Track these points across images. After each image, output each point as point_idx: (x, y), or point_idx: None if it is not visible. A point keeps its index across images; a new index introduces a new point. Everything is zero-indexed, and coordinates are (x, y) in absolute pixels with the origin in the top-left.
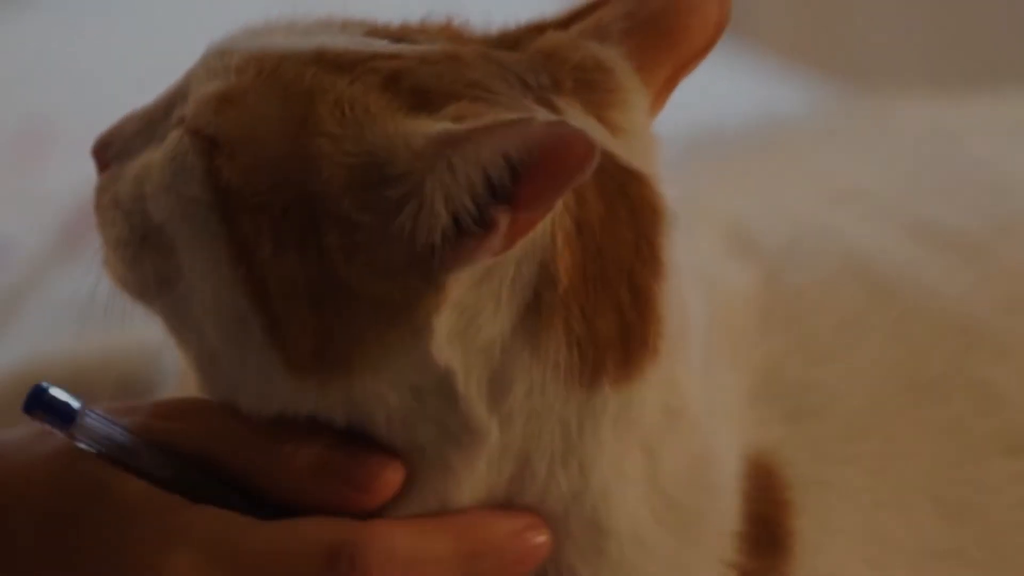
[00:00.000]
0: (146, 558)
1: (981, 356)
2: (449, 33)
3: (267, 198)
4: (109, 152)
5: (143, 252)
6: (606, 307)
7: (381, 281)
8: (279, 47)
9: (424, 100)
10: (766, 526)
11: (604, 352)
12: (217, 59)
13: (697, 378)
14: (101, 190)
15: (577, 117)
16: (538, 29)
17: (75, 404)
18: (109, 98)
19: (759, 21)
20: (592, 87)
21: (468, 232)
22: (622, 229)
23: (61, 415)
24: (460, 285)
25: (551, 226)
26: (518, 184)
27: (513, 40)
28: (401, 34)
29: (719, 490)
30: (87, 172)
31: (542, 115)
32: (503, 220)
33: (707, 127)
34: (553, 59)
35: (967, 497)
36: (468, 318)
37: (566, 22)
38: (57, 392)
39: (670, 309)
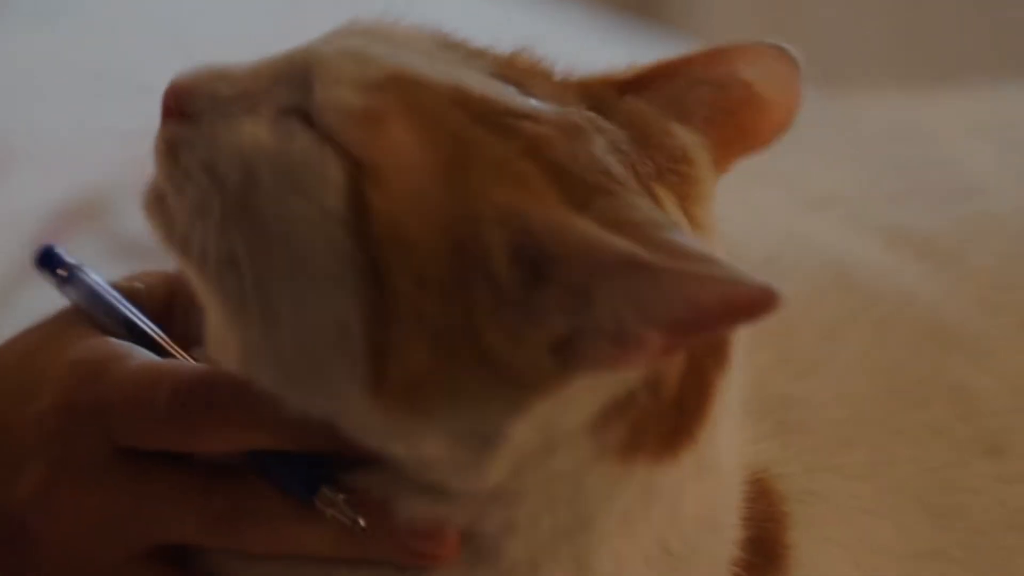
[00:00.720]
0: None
1: (958, 360)
2: (537, 72)
3: (417, 238)
4: (192, 104)
5: (230, 226)
6: (677, 402)
7: (514, 352)
8: (418, 70)
9: (568, 185)
10: (763, 544)
11: (654, 438)
12: (353, 63)
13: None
14: (180, 142)
15: (673, 211)
16: (614, 87)
17: (77, 267)
18: (68, 116)
19: (716, 20)
20: (681, 178)
21: (613, 342)
22: None
23: (60, 268)
24: (586, 386)
25: None
26: (690, 321)
27: (597, 98)
28: (509, 74)
29: (726, 528)
30: (50, 191)
31: (752, 275)
32: (655, 343)
33: None
34: (649, 140)
35: (951, 499)
36: (563, 404)
37: (639, 83)
38: (62, 251)
39: (722, 399)
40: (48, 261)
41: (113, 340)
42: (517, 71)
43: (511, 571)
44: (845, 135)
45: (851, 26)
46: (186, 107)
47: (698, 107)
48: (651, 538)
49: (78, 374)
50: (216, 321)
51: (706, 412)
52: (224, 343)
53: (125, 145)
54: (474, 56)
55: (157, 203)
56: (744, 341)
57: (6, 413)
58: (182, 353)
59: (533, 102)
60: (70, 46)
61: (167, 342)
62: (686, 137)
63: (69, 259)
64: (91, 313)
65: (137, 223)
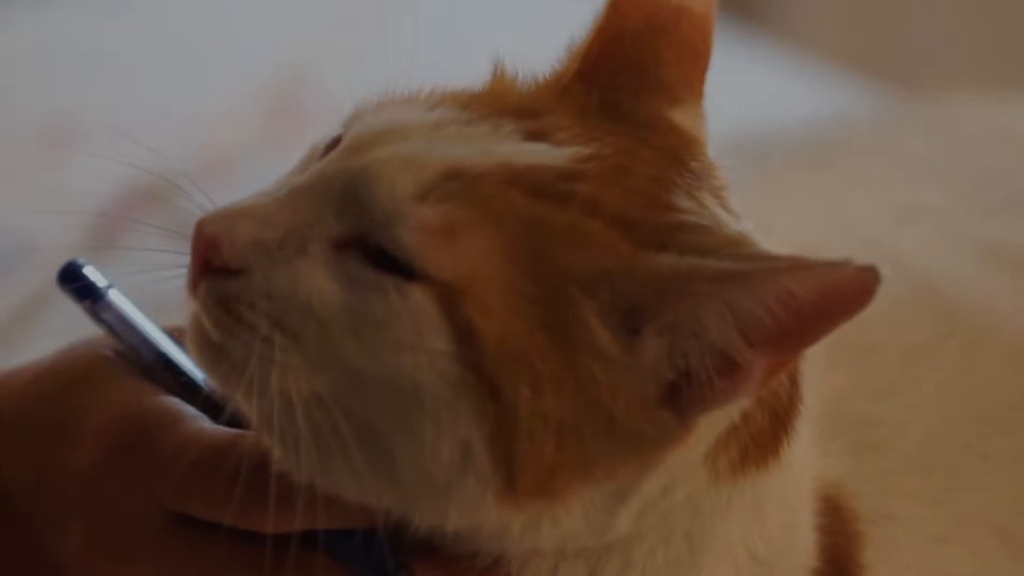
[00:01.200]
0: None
1: None
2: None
3: (524, 343)
4: (235, 258)
5: (314, 375)
6: (771, 404)
7: (637, 417)
8: (465, 159)
9: (639, 232)
10: (837, 560)
11: (759, 446)
12: (405, 171)
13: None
14: (233, 297)
15: (721, 213)
16: (589, 83)
17: (104, 287)
18: (133, 92)
19: (802, 22)
20: (707, 175)
21: (722, 373)
22: None
23: (85, 291)
24: (705, 423)
25: None
26: (791, 322)
27: (593, 102)
28: (534, 129)
29: (803, 527)
30: (118, 169)
31: (849, 260)
32: (761, 365)
33: (755, 132)
34: (669, 147)
35: None
36: (686, 447)
37: (596, 63)
38: (90, 270)
39: (806, 388)
40: (72, 279)
41: (160, 396)
42: (528, 116)
43: None
44: (938, 141)
45: (939, 25)
46: (231, 261)
47: (669, 71)
48: (743, 548)
49: (126, 433)
50: (293, 458)
51: (799, 402)
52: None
53: (194, 127)
54: (495, 114)
55: (212, 351)
56: (824, 355)
57: (42, 459)
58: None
59: (569, 152)
60: (146, 25)
61: (194, 376)
62: (684, 121)
63: (96, 279)
64: (119, 339)
65: (202, 203)
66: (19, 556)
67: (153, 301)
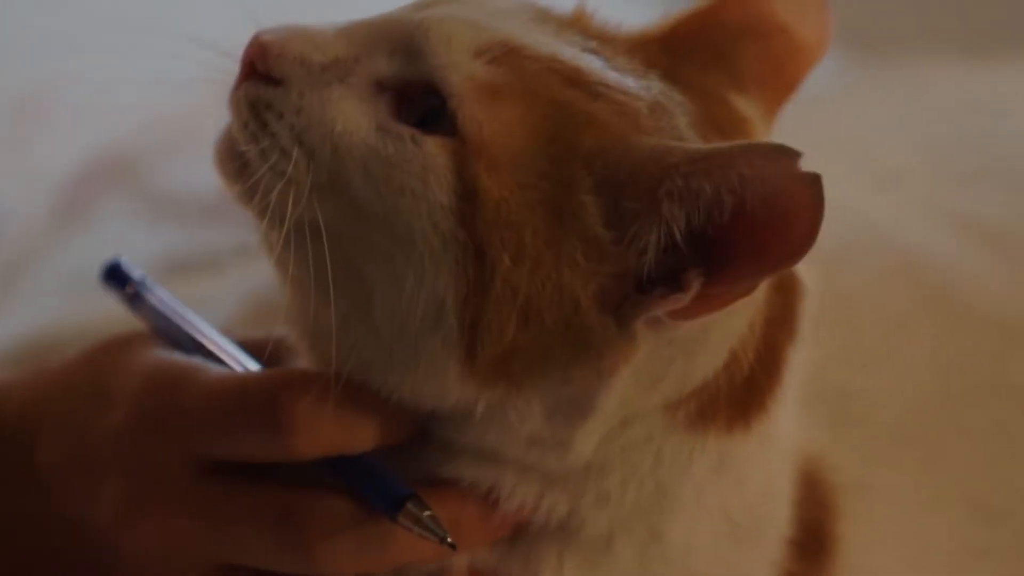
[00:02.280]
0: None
1: (1022, 359)
2: (606, 37)
3: (522, 215)
4: (281, 68)
5: (318, 197)
6: (748, 377)
7: (591, 313)
8: (522, 40)
9: (646, 129)
10: (814, 532)
11: (724, 411)
12: (468, 29)
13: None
14: (266, 104)
15: None
16: (667, 44)
17: (143, 281)
18: (104, 69)
19: None
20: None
21: (664, 282)
22: (778, 304)
23: (127, 286)
24: (648, 344)
25: (753, 317)
26: (727, 252)
27: (662, 64)
28: (597, 48)
29: (782, 496)
30: (85, 142)
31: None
32: (695, 282)
33: None
34: (715, 113)
35: (1005, 500)
36: (645, 383)
37: (684, 36)
38: (132, 267)
39: (791, 372)
40: (115, 276)
41: (185, 357)
42: (597, 40)
43: (589, 544)
44: (912, 107)
45: None
46: (274, 69)
47: (746, 66)
48: (718, 508)
49: (152, 386)
50: (293, 298)
51: (778, 384)
52: (304, 326)
53: (158, 101)
54: (566, 29)
55: (231, 157)
56: (807, 326)
57: (80, 427)
58: (255, 367)
59: (620, 76)
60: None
61: (239, 358)
62: (746, 109)
63: (136, 275)
64: (160, 331)
65: (169, 181)
66: (45, 529)
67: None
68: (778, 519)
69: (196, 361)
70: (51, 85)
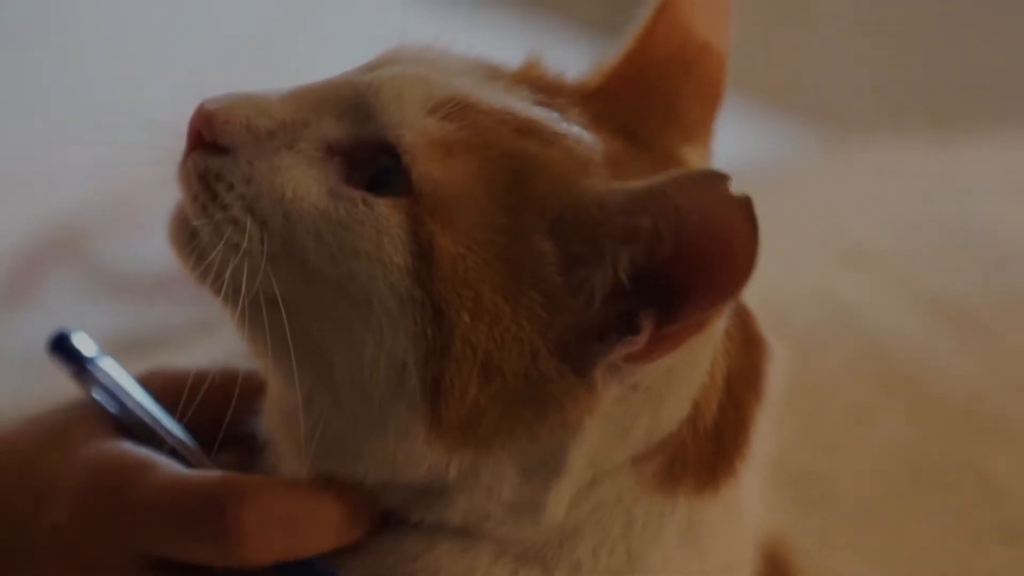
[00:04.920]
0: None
1: (985, 445)
2: (559, 90)
3: (479, 271)
4: (227, 136)
5: (272, 268)
6: (714, 434)
7: (550, 364)
8: (473, 94)
9: (598, 168)
10: None
11: (693, 470)
12: (419, 86)
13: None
14: (215, 175)
15: None
16: (610, 99)
17: (91, 353)
18: (45, 143)
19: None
20: None
21: (618, 329)
22: (742, 360)
23: (75, 360)
24: (611, 393)
25: (713, 367)
26: (675, 288)
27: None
28: (550, 102)
29: (743, 574)
30: (31, 216)
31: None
32: (647, 323)
33: None
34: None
35: None
36: (610, 436)
37: (621, 84)
38: (78, 339)
39: (759, 434)
40: (62, 348)
41: (132, 447)
42: (548, 93)
43: None
44: (881, 186)
45: (862, 67)
46: (220, 137)
47: (687, 108)
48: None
49: (98, 482)
50: (268, 381)
51: (745, 445)
52: (279, 412)
53: (105, 175)
54: (517, 83)
55: (185, 232)
56: (775, 400)
57: (17, 517)
58: (201, 456)
59: (573, 127)
60: (45, 70)
61: (185, 442)
62: (695, 161)
63: (84, 350)
64: (108, 409)
65: (118, 256)
66: None
67: None
68: None
69: (145, 456)
70: None
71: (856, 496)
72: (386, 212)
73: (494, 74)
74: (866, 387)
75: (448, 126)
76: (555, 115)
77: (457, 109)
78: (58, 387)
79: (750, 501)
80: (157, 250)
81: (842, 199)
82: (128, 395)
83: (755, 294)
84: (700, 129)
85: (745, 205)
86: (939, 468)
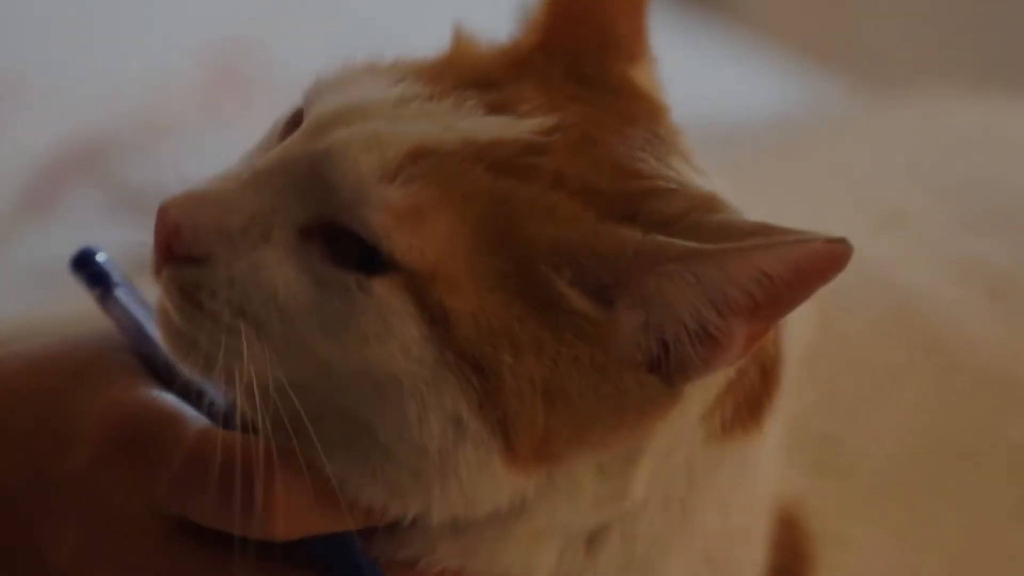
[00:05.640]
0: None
1: (1015, 416)
2: (495, 66)
3: (501, 315)
4: (198, 245)
5: (285, 360)
6: (763, 366)
7: (625, 379)
8: (427, 137)
9: (604, 202)
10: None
11: (747, 409)
12: (368, 152)
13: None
14: (196, 286)
15: (689, 172)
16: (552, 52)
17: (115, 276)
18: (75, 56)
19: (765, 12)
20: (674, 140)
21: (702, 344)
22: None
23: (97, 280)
24: (695, 388)
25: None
26: (766, 296)
27: (585, 77)
28: (496, 102)
29: (757, 538)
30: (54, 131)
31: (812, 232)
32: (742, 332)
33: (720, 122)
34: (643, 117)
35: (985, 564)
36: (684, 406)
37: (556, 33)
38: (104, 259)
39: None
40: (85, 266)
41: (159, 394)
42: (492, 87)
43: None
44: (919, 142)
45: (905, 20)
46: (193, 249)
47: (613, 25)
48: (701, 546)
49: (123, 433)
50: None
51: (782, 375)
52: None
53: (129, 92)
54: (460, 86)
55: (182, 342)
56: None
57: (39, 459)
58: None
59: (532, 123)
60: None
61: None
62: (645, 80)
63: (108, 268)
64: (125, 332)
65: (139, 172)
66: (18, 556)
67: None
68: (751, 563)
69: (173, 408)
70: (21, 73)
71: (877, 464)
72: (385, 294)
73: (435, 81)
74: (893, 351)
75: (412, 189)
76: (511, 120)
77: (415, 164)
78: (74, 302)
79: (767, 461)
80: (183, 169)
81: (877, 155)
82: (145, 323)
83: None
84: (634, 43)
85: (843, 255)
86: (966, 440)
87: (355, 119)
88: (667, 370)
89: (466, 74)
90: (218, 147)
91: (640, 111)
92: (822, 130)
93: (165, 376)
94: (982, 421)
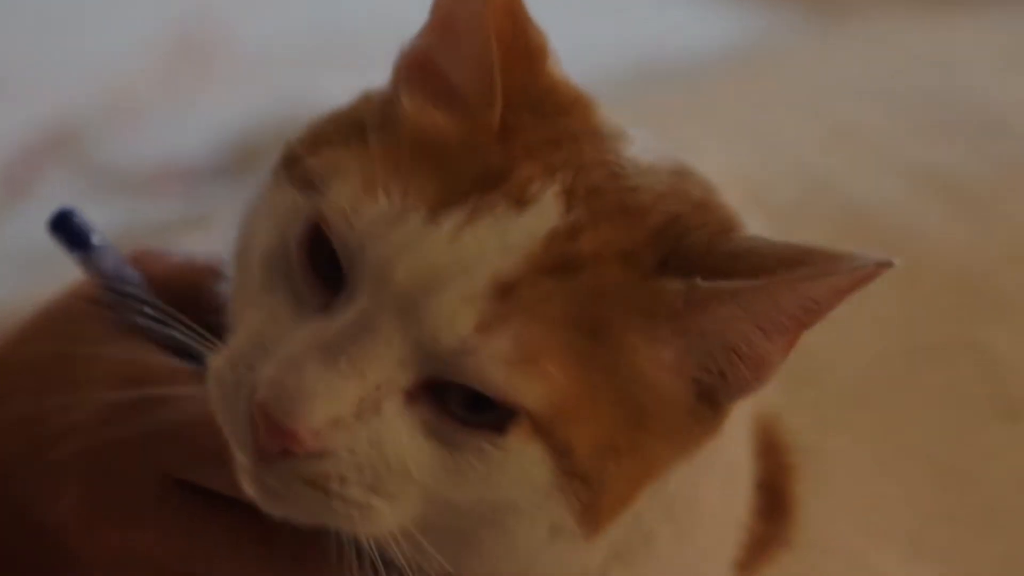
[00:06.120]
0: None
1: (981, 316)
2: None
3: (607, 429)
4: (319, 445)
5: (415, 517)
6: None
7: (685, 419)
8: (496, 270)
9: (637, 258)
10: (771, 491)
11: None
12: (458, 310)
13: None
14: (319, 477)
15: (654, 156)
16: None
17: (95, 236)
18: (41, 40)
19: None
20: (617, 132)
21: (748, 366)
22: None
23: (77, 240)
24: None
25: None
26: (812, 318)
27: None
28: (521, 194)
29: (745, 446)
30: (28, 115)
31: (864, 256)
32: (783, 349)
33: (672, 54)
34: (588, 127)
35: (964, 463)
36: None
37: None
38: (82, 219)
39: None
40: (64, 227)
41: (165, 358)
42: (505, 178)
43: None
44: (867, 61)
45: None
46: (314, 449)
47: (530, 35)
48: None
49: (127, 396)
50: None
51: None
52: None
53: (102, 72)
54: (491, 203)
55: (285, 507)
56: None
57: (39, 417)
58: (196, 343)
59: (554, 207)
60: None
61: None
62: (560, 73)
63: (86, 229)
64: (107, 290)
65: (111, 153)
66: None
67: (59, 250)
68: (745, 470)
69: (177, 369)
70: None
71: (846, 372)
72: (520, 446)
73: (454, 189)
74: None
75: (513, 331)
76: (537, 211)
77: (503, 302)
78: (55, 284)
79: None
80: (154, 148)
81: (827, 77)
82: (127, 280)
83: (737, 173)
84: (539, 42)
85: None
86: (934, 343)
87: (425, 275)
88: (715, 396)
89: (473, 169)
90: (185, 122)
91: (586, 117)
92: (777, 57)
93: (149, 335)
94: (948, 323)
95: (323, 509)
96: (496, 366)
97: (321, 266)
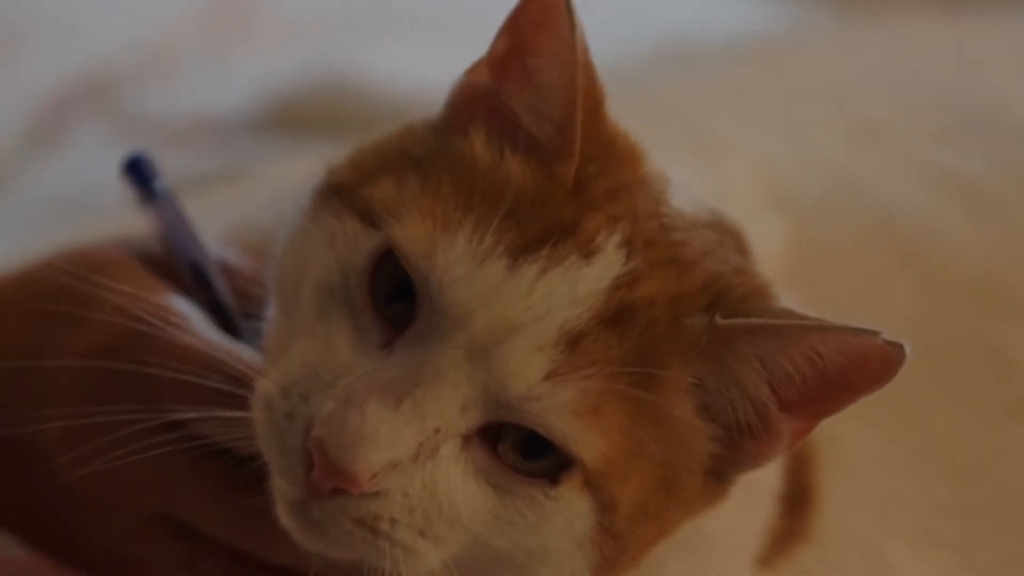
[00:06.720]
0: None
1: (997, 318)
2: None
3: (643, 493)
4: (376, 486)
5: (455, 555)
6: None
7: (700, 488)
8: (563, 320)
9: (683, 302)
10: (797, 484)
11: None
12: (527, 359)
13: None
14: (370, 517)
15: (687, 199)
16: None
17: (162, 183)
18: None
19: None
20: (658, 177)
21: (755, 435)
22: None
23: (146, 184)
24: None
25: None
26: (816, 377)
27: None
28: (579, 246)
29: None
30: (61, 66)
31: (876, 331)
32: (788, 427)
33: (698, 39)
34: (637, 174)
35: (978, 459)
36: None
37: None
38: (153, 167)
39: None
40: (136, 171)
41: (177, 297)
42: (574, 231)
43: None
44: (893, 58)
45: None
46: (370, 490)
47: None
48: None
49: (127, 330)
50: None
51: None
52: None
53: (134, 24)
54: (562, 254)
55: (325, 541)
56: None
57: (41, 336)
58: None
59: (616, 256)
60: None
61: (224, 293)
62: (615, 126)
63: (157, 177)
64: (162, 239)
65: (144, 104)
66: None
67: (91, 200)
68: (774, 476)
69: (183, 310)
70: (27, 8)
71: None
72: (571, 498)
73: (523, 236)
74: (874, 261)
75: (580, 383)
76: (602, 261)
77: (571, 352)
78: (82, 235)
79: None
80: (188, 100)
81: (851, 73)
82: (183, 234)
83: (762, 167)
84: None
85: (897, 360)
86: (951, 344)
87: (501, 323)
88: (725, 469)
89: (545, 217)
90: (221, 77)
91: (637, 167)
92: (804, 51)
93: (194, 283)
94: (965, 325)
95: (368, 548)
96: (561, 415)
97: (381, 298)
